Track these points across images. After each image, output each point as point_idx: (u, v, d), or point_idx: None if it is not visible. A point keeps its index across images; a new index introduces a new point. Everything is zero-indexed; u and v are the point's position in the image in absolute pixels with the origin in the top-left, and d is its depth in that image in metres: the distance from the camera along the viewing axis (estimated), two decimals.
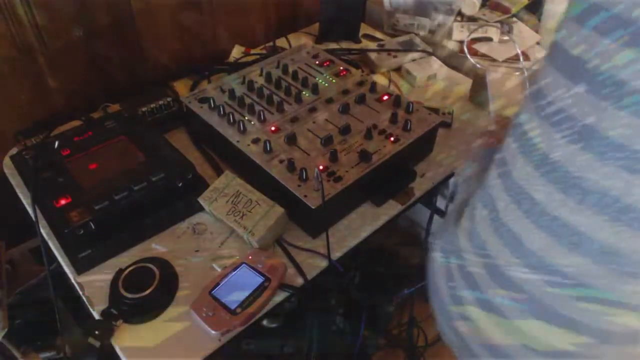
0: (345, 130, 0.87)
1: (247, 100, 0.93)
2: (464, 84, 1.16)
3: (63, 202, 0.76)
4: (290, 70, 1.01)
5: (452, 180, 0.99)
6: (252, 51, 1.22)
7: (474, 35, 1.27)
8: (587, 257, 0.32)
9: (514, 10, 1.36)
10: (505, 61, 1.24)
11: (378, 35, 1.33)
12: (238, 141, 0.85)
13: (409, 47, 1.23)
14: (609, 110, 0.28)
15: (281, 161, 0.81)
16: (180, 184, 0.83)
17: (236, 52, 1.22)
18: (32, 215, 0.79)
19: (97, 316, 0.70)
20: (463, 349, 0.48)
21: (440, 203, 1.39)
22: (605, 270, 0.32)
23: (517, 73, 1.13)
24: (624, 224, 0.30)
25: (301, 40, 1.30)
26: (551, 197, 0.33)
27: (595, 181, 0.30)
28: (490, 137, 0.66)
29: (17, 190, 0.88)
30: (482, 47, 1.27)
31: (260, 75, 1.00)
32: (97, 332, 0.66)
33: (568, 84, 0.32)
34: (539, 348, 0.39)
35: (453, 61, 1.23)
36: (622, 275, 0.32)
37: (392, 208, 0.88)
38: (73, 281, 0.75)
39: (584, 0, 0.30)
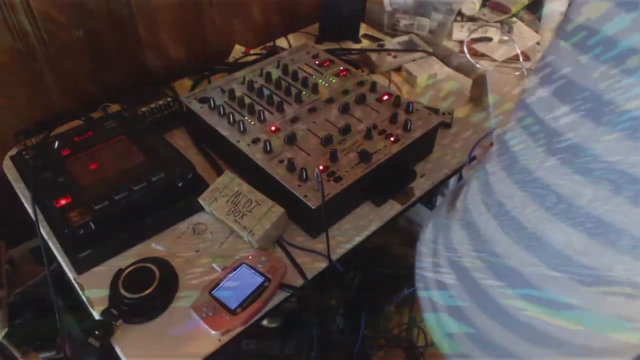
0: (345, 130, 0.87)
1: (247, 100, 0.93)
2: (464, 84, 1.16)
3: (63, 202, 0.76)
4: (290, 70, 1.01)
5: (452, 180, 0.98)
6: (252, 51, 1.22)
7: (474, 35, 1.27)
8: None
9: (514, 10, 1.36)
10: (505, 61, 1.24)
11: (378, 35, 1.33)
12: (238, 141, 0.85)
13: (409, 47, 1.23)
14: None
15: (281, 161, 0.81)
16: (180, 184, 0.83)
17: (236, 52, 1.22)
18: (32, 215, 0.79)
19: (97, 316, 0.70)
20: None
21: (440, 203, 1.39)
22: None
23: (517, 73, 1.13)
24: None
25: (301, 40, 1.30)
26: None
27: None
28: (477, 161, 0.66)
29: (17, 191, 0.88)
30: (482, 47, 1.27)
31: (260, 75, 1.00)
32: (97, 332, 0.66)
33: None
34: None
35: (453, 61, 1.23)
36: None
37: (392, 208, 0.88)
38: (73, 281, 0.75)
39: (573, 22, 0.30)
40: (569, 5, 0.32)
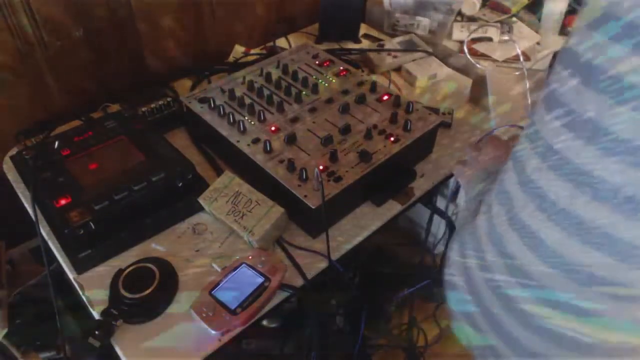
0: (345, 130, 0.87)
1: (247, 100, 0.93)
2: (464, 84, 1.16)
3: (63, 202, 0.76)
4: (290, 70, 1.01)
5: (452, 180, 0.98)
6: (252, 51, 1.22)
7: (474, 35, 1.27)
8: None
9: (514, 10, 1.36)
10: (505, 61, 1.24)
11: (378, 35, 1.33)
12: (238, 141, 0.85)
13: (409, 47, 1.23)
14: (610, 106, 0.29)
15: (281, 161, 0.81)
16: (180, 184, 0.83)
17: (236, 52, 1.22)
18: (32, 215, 0.79)
19: (97, 316, 0.70)
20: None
21: (440, 203, 1.39)
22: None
23: (517, 73, 1.13)
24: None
25: (301, 40, 1.30)
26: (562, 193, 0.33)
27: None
28: (466, 166, 0.66)
29: (17, 190, 0.88)
30: (482, 47, 1.27)
31: (260, 75, 1.00)
32: (97, 332, 0.66)
33: (569, 78, 0.32)
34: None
35: (453, 61, 1.23)
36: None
37: (392, 208, 0.88)
38: (73, 281, 0.75)
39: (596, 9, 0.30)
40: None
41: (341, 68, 1.03)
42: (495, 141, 0.68)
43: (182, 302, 0.72)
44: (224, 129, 0.87)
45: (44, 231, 0.80)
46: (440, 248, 1.47)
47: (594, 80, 0.30)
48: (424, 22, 1.30)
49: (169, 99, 1.00)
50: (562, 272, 0.35)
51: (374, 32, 1.35)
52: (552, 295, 0.37)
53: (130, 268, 0.73)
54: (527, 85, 1.01)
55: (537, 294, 0.38)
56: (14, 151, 0.93)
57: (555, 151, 0.33)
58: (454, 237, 0.49)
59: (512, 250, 0.38)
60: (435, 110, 1.01)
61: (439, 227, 1.54)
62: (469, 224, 0.46)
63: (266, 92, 0.95)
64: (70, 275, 0.76)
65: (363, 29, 1.34)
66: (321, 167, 0.80)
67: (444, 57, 1.23)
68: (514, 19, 1.36)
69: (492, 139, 0.68)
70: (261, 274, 0.73)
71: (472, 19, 1.35)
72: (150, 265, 0.73)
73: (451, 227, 1.31)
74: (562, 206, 0.33)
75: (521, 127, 0.73)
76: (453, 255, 0.47)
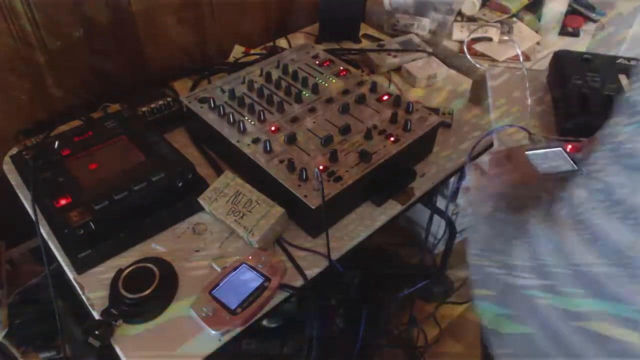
0: (345, 130, 0.87)
1: (247, 100, 0.93)
2: (464, 84, 1.16)
3: (63, 202, 0.76)
4: (290, 70, 1.01)
5: (452, 180, 0.98)
6: (252, 51, 1.22)
7: (474, 35, 1.27)
8: None
9: (514, 10, 1.36)
10: (505, 61, 1.24)
11: (378, 35, 1.33)
12: (238, 141, 0.85)
13: (409, 47, 1.23)
14: None
15: (281, 161, 0.81)
16: (180, 184, 0.83)
17: (236, 52, 1.22)
18: (32, 215, 0.79)
19: (97, 316, 0.70)
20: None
21: (440, 203, 1.39)
22: None
23: (517, 73, 1.13)
24: None
25: (301, 40, 1.30)
26: None
27: None
28: (468, 191, 0.65)
29: (17, 190, 0.88)
30: (482, 47, 1.27)
31: (260, 75, 1.00)
32: (97, 332, 0.66)
33: None
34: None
35: (453, 61, 1.23)
36: None
37: (392, 208, 0.88)
38: (73, 281, 0.75)
39: None
40: None
41: (341, 68, 1.03)
42: (497, 159, 0.66)
43: (182, 302, 0.72)
44: (224, 129, 0.87)
45: (44, 231, 0.80)
46: (440, 248, 1.47)
47: None
48: (424, 22, 1.30)
49: (169, 99, 1.00)
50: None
51: (374, 32, 1.35)
52: (624, 311, 0.36)
53: (130, 268, 0.73)
54: (527, 85, 1.00)
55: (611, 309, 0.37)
56: (14, 151, 0.93)
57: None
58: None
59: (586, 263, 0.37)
60: (435, 110, 1.01)
61: (439, 227, 1.54)
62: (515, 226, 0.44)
63: (266, 92, 0.95)
64: (70, 275, 0.76)
65: (363, 29, 1.34)
66: (321, 167, 0.80)
67: (444, 57, 1.22)
68: (514, 19, 1.36)
69: (493, 158, 0.66)
70: (261, 274, 0.73)
71: (472, 19, 1.35)
72: (150, 265, 0.73)
73: (451, 227, 1.31)
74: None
75: (521, 128, 0.73)
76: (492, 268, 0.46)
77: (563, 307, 0.40)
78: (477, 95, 1.11)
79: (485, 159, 0.68)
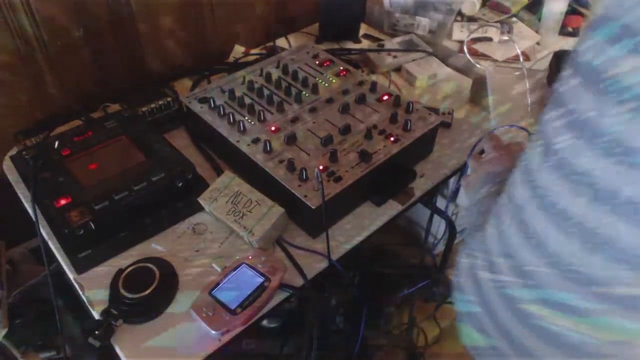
0: (345, 130, 0.87)
1: (247, 100, 0.93)
2: (464, 84, 1.16)
3: (63, 202, 0.76)
4: (290, 70, 1.01)
5: (452, 180, 0.98)
6: (252, 51, 1.22)
7: (474, 35, 1.27)
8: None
9: (514, 10, 1.36)
10: (505, 61, 1.24)
11: (378, 35, 1.33)
12: (238, 141, 0.85)
13: (409, 47, 1.23)
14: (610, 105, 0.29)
15: (281, 161, 0.81)
16: (180, 184, 0.83)
17: (236, 52, 1.22)
18: (32, 215, 0.79)
19: (97, 316, 0.70)
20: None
21: (440, 203, 1.39)
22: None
23: (517, 73, 1.13)
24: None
25: (301, 40, 1.30)
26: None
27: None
28: (468, 176, 0.66)
29: (17, 190, 0.88)
30: (482, 47, 1.27)
31: (260, 75, 1.00)
32: (97, 332, 0.66)
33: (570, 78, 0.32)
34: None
35: (453, 61, 1.23)
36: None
37: (392, 208, 0.88)
38: (73, 281, 0.75)
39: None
40: None
41: (341, 68, 1.03)
42: (494, 140, 0.67)
43: (182, 302, 0.72)
44: (224, 129, 0.87)
45: (44, 231, 0.80)
46: (440, 248, 1.47)
47: (593, 80, 0.30)
48: (424, 22, 1.30)
49: (169, 99, 1.00)
50: (561, 273, 0.35)
51: (374, 32, 1.35)
52: (552, 296, 0.37)
53: (130, 268, 0.73)
54: (527, 85, 1.01)
55: (537, 295, 0.37)
56: (14, 151, 0.93)
57: (555, 151, 0.33)
58: (464, 241, 0.49)
59: (515, 250, 0.38)
60: (435, 110, 1.01)
61: (439, 227, 1.54)
62: (478, 227, 0.46)
63: (266, 92, 0.95)
64: (70, 275, 0.76)
65: (363, 29, 1.34)
66: (321, 167, 0.80)
67: (444, 57, 1.23)
68: (514, 19, 1.36)
69: (491, 138, 0.68)
70: (261, 274, 0.73)
71: (472, 19, 1.35)
72: (150, 265, 0.73)
73: (451, 227, 1.31)
74: (562, 207, 0.33)
75: (521, 128, 0.73)
76: (461, 258, 0.47)
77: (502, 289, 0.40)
78: (477, 95, 1.11)
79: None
